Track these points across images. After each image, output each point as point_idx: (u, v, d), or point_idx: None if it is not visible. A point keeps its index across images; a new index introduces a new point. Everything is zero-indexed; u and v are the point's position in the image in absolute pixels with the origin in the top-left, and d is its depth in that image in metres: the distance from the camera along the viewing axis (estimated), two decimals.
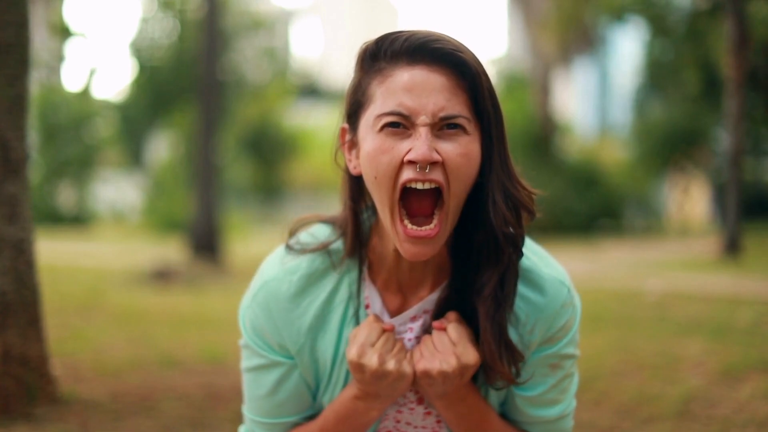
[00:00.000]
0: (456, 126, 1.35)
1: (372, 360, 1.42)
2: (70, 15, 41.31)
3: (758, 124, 19.46)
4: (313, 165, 26.88)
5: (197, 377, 3.84)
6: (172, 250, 12.58)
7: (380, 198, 1.39)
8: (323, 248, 1.52)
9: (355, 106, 1.44)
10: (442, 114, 1.34)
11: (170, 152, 23.30)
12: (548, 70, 21.94)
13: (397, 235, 1.39)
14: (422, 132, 1.33)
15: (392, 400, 1.49)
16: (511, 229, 1.40)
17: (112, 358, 4.26)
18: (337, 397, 1.52)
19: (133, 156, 26.34)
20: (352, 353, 1.43)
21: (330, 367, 1.52)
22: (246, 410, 1.60)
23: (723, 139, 18.37)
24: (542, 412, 1.52)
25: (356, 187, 1.49)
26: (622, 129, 29.43)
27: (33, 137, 19.24)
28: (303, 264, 1.52)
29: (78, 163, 21.65)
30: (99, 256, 12.24)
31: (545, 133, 20.63)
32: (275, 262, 1.55)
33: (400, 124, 1.35)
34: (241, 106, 22.71)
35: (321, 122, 28.90)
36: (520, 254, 1.44)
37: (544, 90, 21.41)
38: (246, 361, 1.58)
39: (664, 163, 23.33)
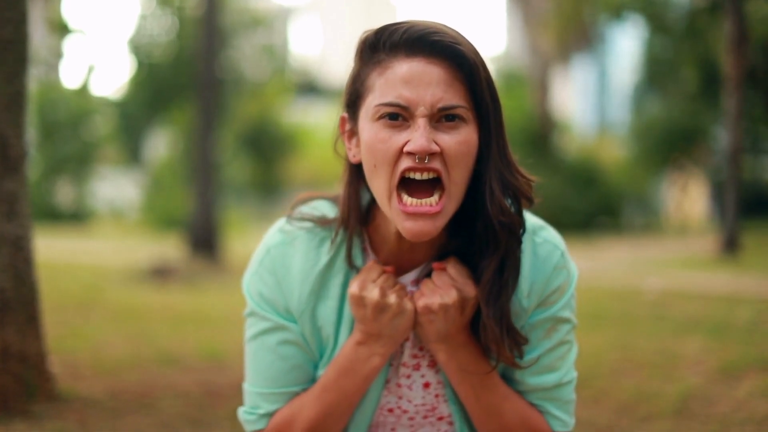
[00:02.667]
0: (454, 117, 1.38)
1: (373, 292, 1.44)
2: (68, 12, 41.30)
3: (757, 122, 19.47)
4: (311, 162, 26.88)
5: (196, 375, 3.84)
6: (171, 248, 12.58)
7: (378, 185, 1.41)
8: (323, 220, 1.56)
9: (354, 96, 1.46)
10: (440, 105, 1.36)
11: (169, 149, 23.31)
12: (547, 68, 21.94)
13: (398, 216, 1.40)
14: (421, 123, 1.35)
15: (393, 344, 1.49)
16: (509, 218, 1.42)
17: (110, 355, 4.26)
18: (339, 352, 1.52)
19: (132, 153, 26.34)
20: (353, 287, 1.46)
21: (334, 334, 1.54)
22: (248, 384, 1.59)
23: (722, 137, 18.37)
24: (539, 379, 1.52)
25: (355, 174, 1.51)
26: (621, 127, 29.44)
27: (31, 134, 19.25)
28: (303, 231, 1.56)
29: (76, 160, 21.66)
30: (97, 253, 12.24)
31: (544, 131, 20.63)
32: (276, 229, 1.59)
33: (399, 116, 1.37)
34: (239, 103, 22.70)
35: (320, 119, 28.87)
36: (519, 241, 1.46)
37: (542, 88, 21.41)
38: (251, 329, 1.58)
39: (662, 162, 23.33)
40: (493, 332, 1.43)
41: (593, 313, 6.00)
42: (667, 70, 20.95)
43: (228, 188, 21.55)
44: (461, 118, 1.38)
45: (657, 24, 18.45)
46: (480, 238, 1.44)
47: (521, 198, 1.44)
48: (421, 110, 1.36)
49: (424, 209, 1.38)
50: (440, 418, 1.58)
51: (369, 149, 1.40)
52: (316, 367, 1.57)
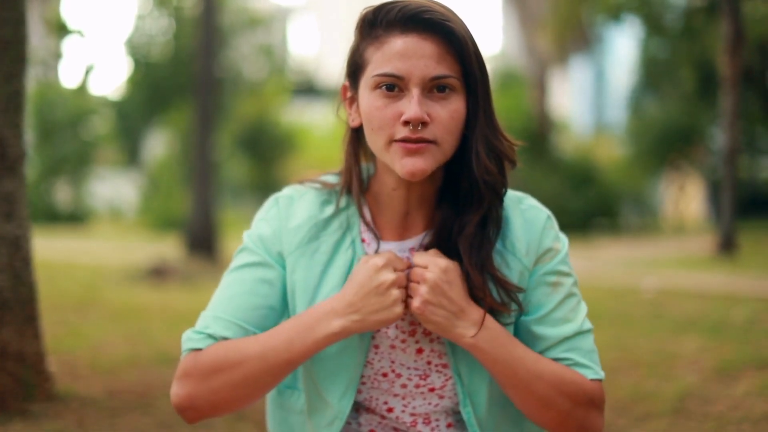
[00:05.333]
0: (445, 87, 1.49)
1: (388, 276, 1.48)
2: (67, 12, 41.26)
3: (753, 122, 19.50)
4: (309, 162, 26.85)
5: None
6: (169, 248, 12.58)
7: (377, 145, 1.53)
8: (330, 186, 1.67)
9: (353, 67, 1.58)
10: (431, 75, 1.48)
11: (167, 150, 23.28)
12: (544, 69, 21.95)
13: (396, 156, 1.49)
14: (414, 93, 1.47)
15: (360, 327, 1.49)
16: (493, 177, 1.52)
17: (108, 355, 4.27)
18: (307, 309, 1.54)
19: (130, 153, 26.31)
20: (378, 259, 1.50)
21: (312, 293, 1.57)
22: (207, 310, 1.58)
23: (718, 137, 18.41)
24: (559, 330, 1.57)
25: (356, 137, 1.63)
26: (618, 127, 29.44)
27: (30, 135, 19.22)
28: (313, 189, 1.67)
29: (75, 160, 21.61)
30: (96, 253, 12.24)
31: (541, 131, 20.63)
32: (286, 188, 1.69)
33: (394, 86, 1.49)
34: (237, 103, 22.68)
35: (318, 119, 28.88)
36: (501, 200, 1.56)
37: (540, 88, 21.42)
38: (236, 262, 1.62)
39: (660, 162, 23.34)
40: (476, 279, 1.50)
41: (591, 312, 5.97)
42: (664, 71, 20.98)
43: (226, 188, 21.55)
44: (451, 88, 1.50)
45: (654, 25, 18.46)
46: (465, 197, 1.54)
47: (505, 160, 1.56)
48: (415, 80, 1.47)
49: (417, 146, 1.47)
50: (431, 390, 1.60)
51: (367, 115, 1.52)
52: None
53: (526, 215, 1.62)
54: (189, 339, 1.56)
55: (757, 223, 19.16)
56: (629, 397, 3.46)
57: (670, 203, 27.07)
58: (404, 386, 1.60)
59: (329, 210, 1.63)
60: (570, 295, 1.61)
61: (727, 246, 11.92)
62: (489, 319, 1.51)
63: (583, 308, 1.63)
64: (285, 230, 1.61)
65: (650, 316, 5.94)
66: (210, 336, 1.54)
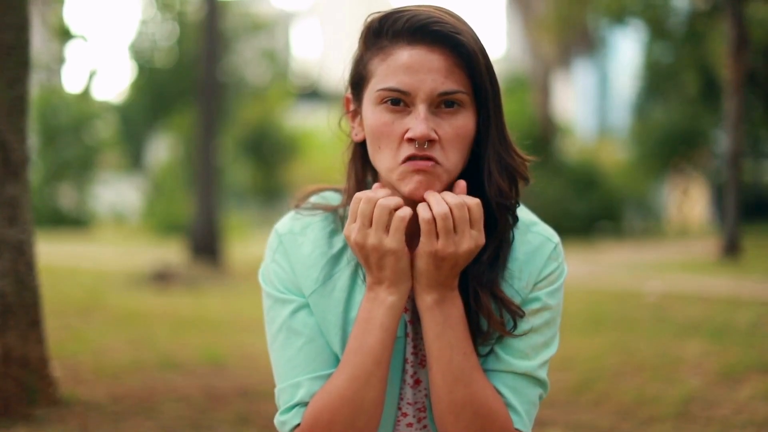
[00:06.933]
0: (453, 103, 1.43)
1: (373, 240, 1.42)
2: (70, 17, 41.37)
3: (757, 125, 19.50)
4: (313, 167, 26.89)
5: (197, 379, 3.84)
6: (172, 252, 12.59)
7: (381, 163, 1.46)
8: (332, 209, 1.57)
9: (357, 78, 1.50)
10: (439, 91, 1.41)
11: (170, 154, 23.34)
12: (548, 72, 21.96)
13: (404, 175, 1.42)
14: (421, 110, 1.41)
15: (395, 284, 1.44)
16: (506, 199, 1.46)
17: (112, 359, 4.26)
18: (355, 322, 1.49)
19: (133, 158, 26.41)
20: (358, 237, 1.43)
21: (340, 332, 1.50)
22: (279, 382, 1.51)
23: (722, 140, 18.39)
24: (511, 360, 1.48)
25: (359, 152, 1.55)
26: (622, 131, 29.49)
27: (33, 139, 19.27)
28: (316, 219, 1.57)
29: (78, 165, 21.70)
30: (99, 258, 12.25)
31: (545, 135, 20.64)
32: (287, 219, 1.60)
33: (400, 101, 1.42)
34: (241, 108, 22.73)
35: (321, 124, 28.92)
36: (515, 221, 1.51)
37: (543, 91, 21.43)
38: (276, 321, 1.53)
39: (663, 165, 23.37)
40: (488, 307, 1.45)
41: (594, 316, 6.01)
42: (668, 74, 20.98)
43: (229, 193, 21.58)
44: (460, 104, 1.43)
45: (657, 28, 18.47)
46: None
47: (518, 178, 1.49)
48: (421, 96, 1.40)
49: (424, 163, 1.41)
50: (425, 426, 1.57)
51: (373, 132, 1.45)
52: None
53: (533, 243, 1.53)
54: (284, 422, 1.48)
55: (761, 226, 19.13)
56: (633, 400, 3.45)
57: (674, 207, 27.07)
58: (410, 425, 1.57)
59: (338, 242, 1.54)
60: (540, 331, 1.50)
61: (731, 249, 11.91)
62: (458, 295, 1.45)
63: (547, 353, 1.52)
64: (298, 271, 1.52)
65: (654, 320, 5.93)
66: (301, 405, 1.47)
